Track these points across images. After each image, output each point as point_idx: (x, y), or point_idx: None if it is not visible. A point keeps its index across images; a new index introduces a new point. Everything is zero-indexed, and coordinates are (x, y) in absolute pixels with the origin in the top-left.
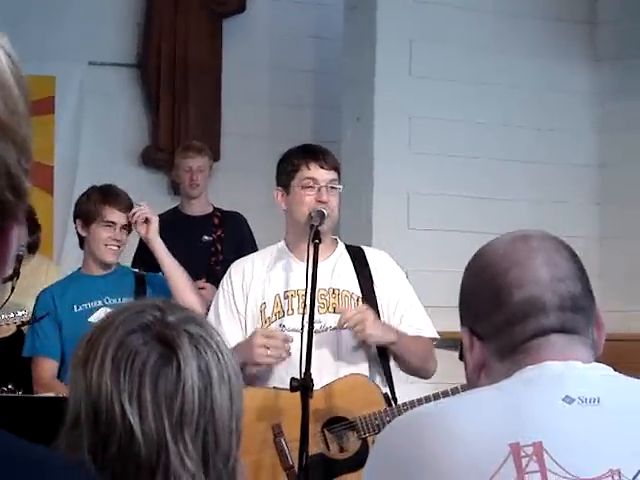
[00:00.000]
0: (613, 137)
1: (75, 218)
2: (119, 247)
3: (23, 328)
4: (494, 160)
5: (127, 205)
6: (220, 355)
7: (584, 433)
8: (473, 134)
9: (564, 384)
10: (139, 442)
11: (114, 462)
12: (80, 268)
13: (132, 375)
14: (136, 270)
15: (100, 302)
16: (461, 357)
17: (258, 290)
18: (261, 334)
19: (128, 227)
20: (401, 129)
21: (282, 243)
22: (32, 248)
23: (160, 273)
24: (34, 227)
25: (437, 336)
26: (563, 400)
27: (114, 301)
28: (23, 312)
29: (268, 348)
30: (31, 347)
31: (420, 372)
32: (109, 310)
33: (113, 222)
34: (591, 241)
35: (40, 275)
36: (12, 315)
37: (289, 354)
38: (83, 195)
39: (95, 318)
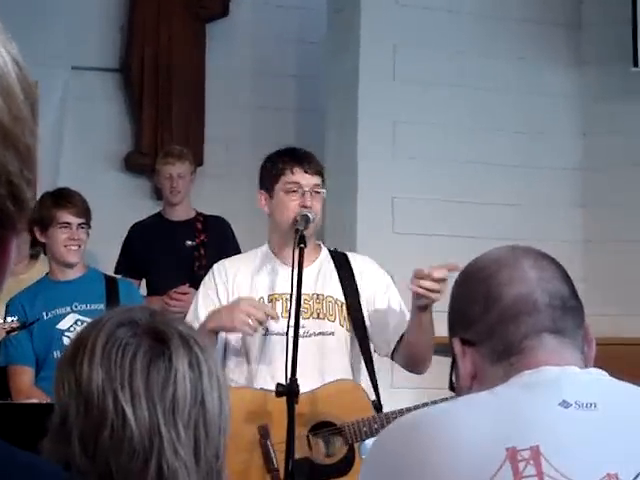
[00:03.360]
0: (597, 140)
1: (32, 226)
2: (80, 246)
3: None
4: (478, 164)
5: (80, 204)
6: (209, 355)
7: (581, 438)
8: (457, 138)
9: (561, 389)
10: (132, 426)
11: (107, 448)
12: (47, 274)
13: (123, 363)
14: (107, 274)
15: (69, 308)
16: (452, 388)
17: (242, 293)
18: (248, 303)
19: (86, 226)
20: (385, 133)
21: (266, 247)
22: (34, 256)
23: (136, 282)
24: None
25: None
26: (560, 405)
27: (83, 307)
28: (13, 318)
29: (249, 317)
30: (5, 356)
31: (425, 362)
32: (78, 317)
33: (68, 223)
34: (575, 244)
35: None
36: (1, 321)
37: (266, 330)
38: (36, 203)
39: (64, 325)
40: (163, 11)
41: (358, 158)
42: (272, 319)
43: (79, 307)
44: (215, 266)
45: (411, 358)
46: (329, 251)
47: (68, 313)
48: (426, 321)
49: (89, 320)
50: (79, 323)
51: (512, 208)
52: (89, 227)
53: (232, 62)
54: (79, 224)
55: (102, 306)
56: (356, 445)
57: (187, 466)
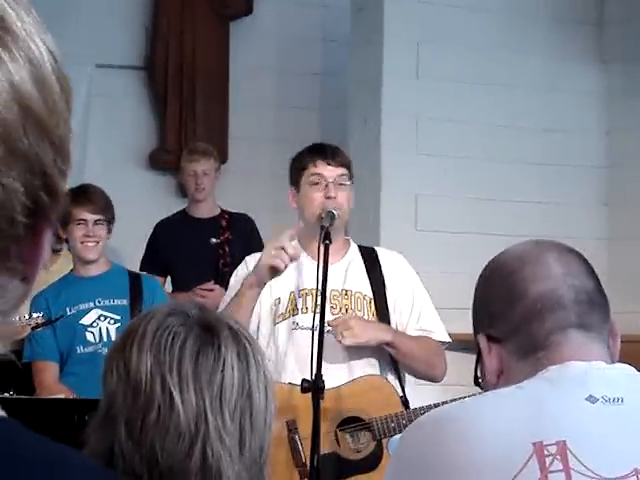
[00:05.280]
0: (621, 138)
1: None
2: (97, 242)
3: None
4: (501, 161)
5: (98, 201)
6: (257, 349)
7: (608, 432)
8: (480, 135)
9: (588, 384)
10: (179, 410)
11: (153, 431)
12: (72, 270)
13: (173, 349)
14: (131, 270)
15: (92, 304)
16: (477, 383)
17: (273, 284)
18: (271, 243)
19: (105, 222)
20: (408, 131)
21: (296, 241)
22: (56, 250)
23: (160, 279)
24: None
25: (448, 339)
26: (587, 399)
27: (106, 302)
28: (38, 314)
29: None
30: (30, 352)
31: (426, 376)
32: (101, 312)
33: (84, 219)
34: (599, 242)
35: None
36: (27, 317)
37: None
38: None
39: (87, 320)
40: (187, 9)
41: (382, 155)
42: (291, 238)
43: (102, 302)
44: (247, 258)
45: (411, 373)
46: (358, 247)
47: (91, 309)
48: (401, 351)
49: (112, 316)
50: (102, 319)
51: (536, 206)
52: (110, 223)
53: (256, 60)
54: (96, 221)
55: (125, 302)
56: (384, 441)
57: (231, 454)
